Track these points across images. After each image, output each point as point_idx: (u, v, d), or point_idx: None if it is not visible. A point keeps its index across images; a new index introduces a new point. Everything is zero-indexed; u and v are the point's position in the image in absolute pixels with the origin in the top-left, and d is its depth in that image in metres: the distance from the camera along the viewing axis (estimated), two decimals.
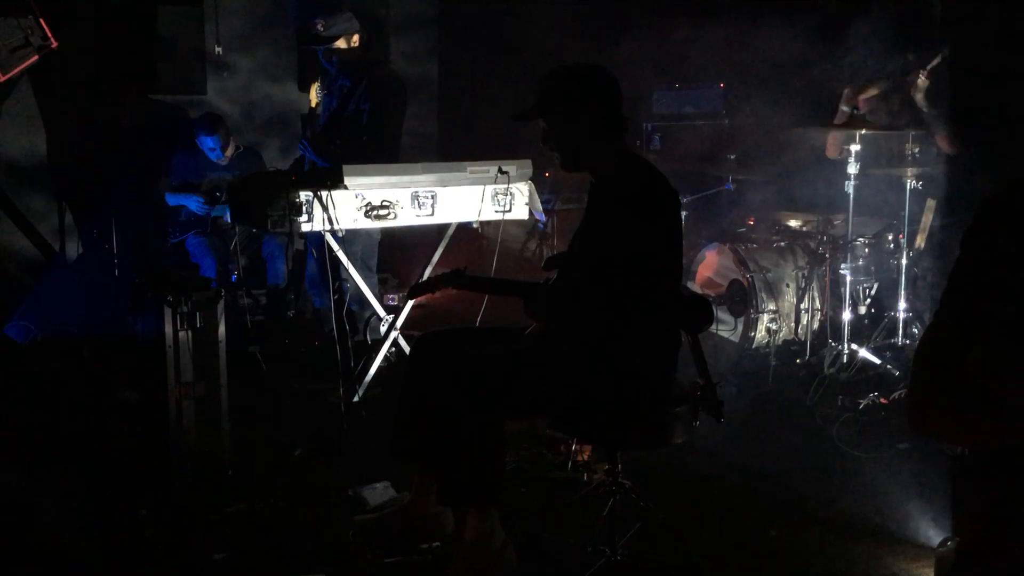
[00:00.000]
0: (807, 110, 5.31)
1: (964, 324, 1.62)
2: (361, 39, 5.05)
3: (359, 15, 5.08)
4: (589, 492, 3.24)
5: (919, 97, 4.80)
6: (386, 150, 5.01)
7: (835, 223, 5.01)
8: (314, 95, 5.06)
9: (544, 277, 3.00)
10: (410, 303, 4.60)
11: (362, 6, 5.29)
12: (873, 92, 5.06)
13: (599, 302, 2.69)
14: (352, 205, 4.17)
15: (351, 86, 5.03)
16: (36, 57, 5.18)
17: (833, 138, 5.10)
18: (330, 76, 5.18)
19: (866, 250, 4.87)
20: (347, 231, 4.30)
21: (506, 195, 4.46)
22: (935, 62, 4.72)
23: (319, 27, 4.96)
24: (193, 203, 5.39)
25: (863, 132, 4.64)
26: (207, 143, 5.51)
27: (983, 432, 1.61)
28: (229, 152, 5.58)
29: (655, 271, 2.73)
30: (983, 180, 4.58)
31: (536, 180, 4.59)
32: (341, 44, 4.98)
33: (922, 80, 4.75)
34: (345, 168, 4.11)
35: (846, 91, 5.18)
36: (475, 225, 4.57)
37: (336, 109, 5.07)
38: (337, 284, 4.68)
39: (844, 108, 5.15)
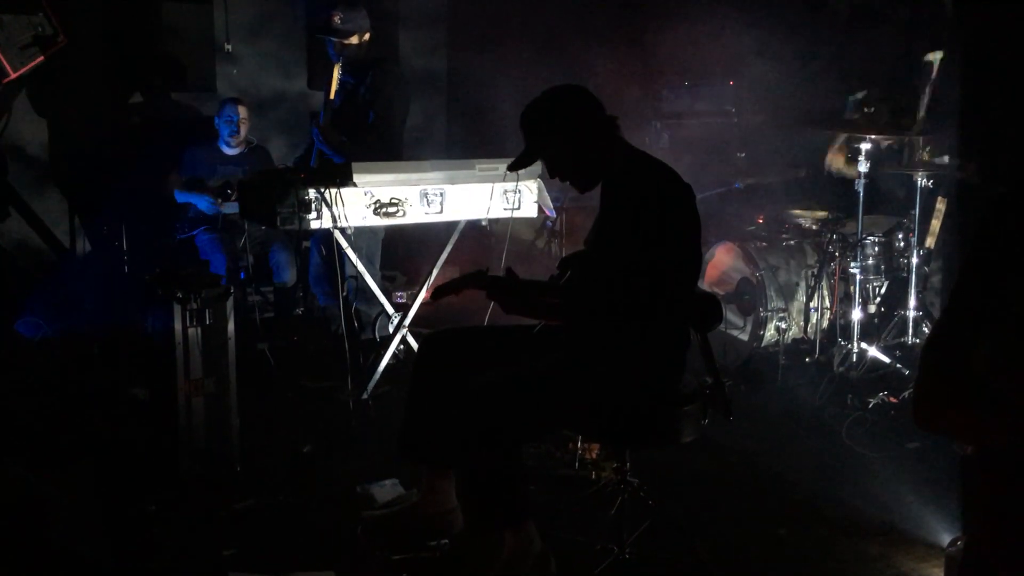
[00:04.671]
0: (816, 107, 5.31)
1: (972, 320, 1.62)
2: (371, 37, 5.07)
3: (368, 11, 5.09)
4: (597, 490, 3.24)
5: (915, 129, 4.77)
6: (390, 145, 5.02)
7: (845, 222, 4.99)
8: (336, 78, 5.07)
9: (550, 275, 2.98)
10: (419, 301, 4.61)
11: (372, 1, 5.29)
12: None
13: (618, 303, 2.68)
14: (361, 203, 4.17)
15: (355, 82, 5.04)
16: (46, 53, 5.19)
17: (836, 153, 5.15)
18: (331, 68, 5.20)
19: (876, 249, 4.86)
20: (353, 230, 4.30)
21: (515, 193, 4.45)
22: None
23: (337, 20, 4.97)
24: (203, 203, 5.41)
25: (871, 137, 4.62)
26: (226, 111, 5.59)
27: (988, 430, 1.61)
28: (243, 135, 5.61)
29: (673, 270, 2.72)
30: (994, 180, 4.58)
31: (545, 177, 4.59)
32: (353, 40, 4.99)
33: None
34: (354, 165, 4.11)
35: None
36: (484, 223, 4.57)
37: (341, 104, 5.08)
38: (343, 282, 4.68)
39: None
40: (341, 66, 5.04)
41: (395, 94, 5.08)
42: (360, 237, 4.88)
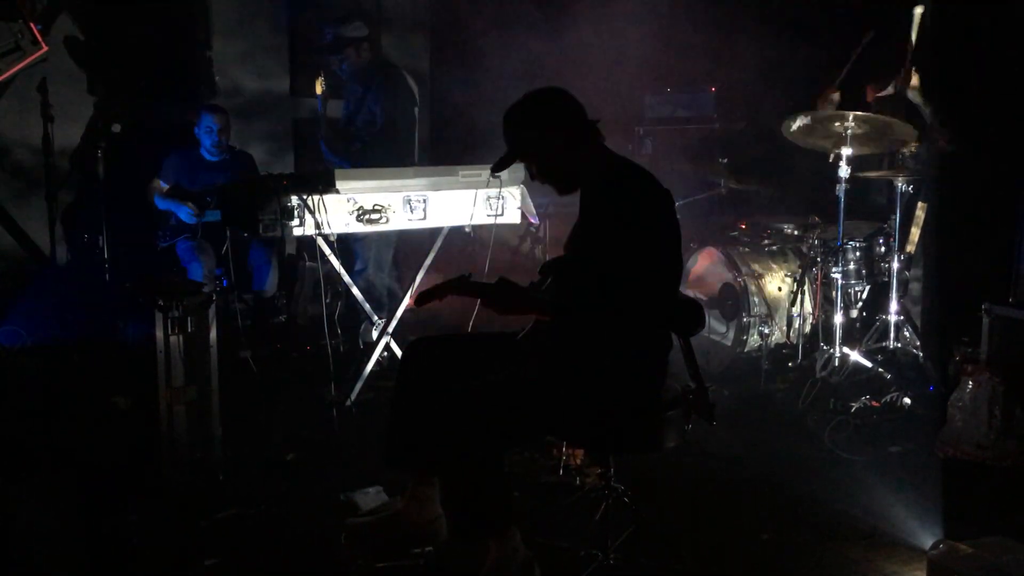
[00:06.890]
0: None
1: None
2: (370, 45, 5.09)
3: (360, 17, 5.13)
4: (582, 496, 3.24)
5: (912, 94, 4.78)
6: (403, 149, 5.04)
7: (826, 227, 5.02)
8: (319, 86, 5.06)
9: (530, 281, 2.98)
10: (402, 307, 4.60)
11: (357, 7, 5.32)
12: (887, 92, 5.05)
13: (600, 307, 2.68)
14: (344, 209, 4.16)
15: (362, 90, 5.06)
16: (26, 61, 5.15)
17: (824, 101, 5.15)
18: (340, 81, 5.21)
19: (857, 253, 4.88)
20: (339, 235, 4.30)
21: (498, 199, 4.45)
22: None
23: (328, 37, 4.98)
24: (183, 212, 5.37)
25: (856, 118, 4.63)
26: (205, 121, 5.50)
27: None
28: (225, 143, 5.57)
29: (654, 275, 2.72)
30: (974, 182, 4.62)
31: (528, 183, 4.59)
32: (351, 52, 5.00)
33: (912, 80, 4.76)
34: (337, 172, 4.11)
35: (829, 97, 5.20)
36: (467, 229, 4.57)
37: (350, 114, 5.10)
38: (326, 289, 4.67)
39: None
40: (345, 75, 5.08)
41: (402, 98, 5.10)
42: (370, 241, 4.90)
